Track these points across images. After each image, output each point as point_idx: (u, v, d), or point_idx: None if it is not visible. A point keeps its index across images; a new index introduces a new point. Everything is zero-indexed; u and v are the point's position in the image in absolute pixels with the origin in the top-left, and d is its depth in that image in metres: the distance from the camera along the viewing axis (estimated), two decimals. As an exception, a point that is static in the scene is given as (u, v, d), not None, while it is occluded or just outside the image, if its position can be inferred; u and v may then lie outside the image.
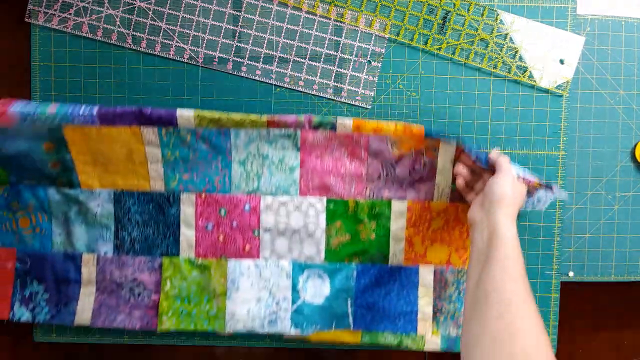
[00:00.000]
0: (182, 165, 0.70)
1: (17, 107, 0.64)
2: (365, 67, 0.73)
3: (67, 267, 0.71)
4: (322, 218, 0.71)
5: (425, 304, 0.72)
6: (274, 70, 0.73)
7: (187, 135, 0.68)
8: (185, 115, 0.66)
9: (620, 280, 0.75)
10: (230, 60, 0.73)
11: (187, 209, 0.71)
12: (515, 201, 0.59)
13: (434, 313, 0.72)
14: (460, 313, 0.72)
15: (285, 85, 0.73)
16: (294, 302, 0.72)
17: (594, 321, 0.79)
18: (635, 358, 0.79)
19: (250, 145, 0.70)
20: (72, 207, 0.71)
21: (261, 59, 0.73)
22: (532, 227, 0.74)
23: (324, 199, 0.71)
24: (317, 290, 0.72)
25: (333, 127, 0.69)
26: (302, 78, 0.73)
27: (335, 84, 0.73)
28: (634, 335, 0.79)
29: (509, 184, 0.59)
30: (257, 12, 0.72)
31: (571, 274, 0.75)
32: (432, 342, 0.72)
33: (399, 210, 0.71)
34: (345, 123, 0.68)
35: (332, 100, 0.73)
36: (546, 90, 0.73)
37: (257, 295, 0.72)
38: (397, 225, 0.71)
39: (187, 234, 0.71)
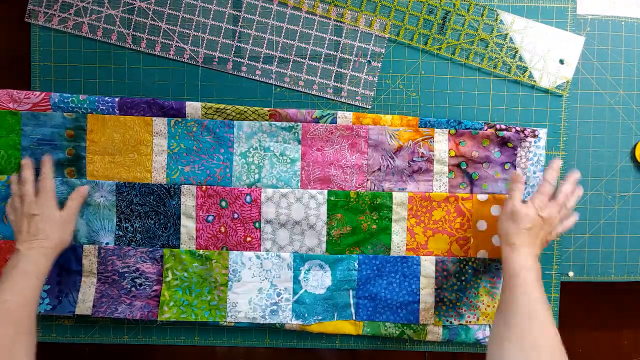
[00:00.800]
0: (185, 157, 0.72)
1: (53, 95, 0.71)
2: (365, 67, 0.73)
3: (69, 258, 0.72)
4: (323, 210, 0.72)
5: (427, 294, 0.73)
6: (274, 70, 0.73)
7: (194, 126, 0.71)
8: (194, 105, 0.71)
9: (620, 280, 0.75)
10: (230, 60, 0.73)
11: (188, 200, 0.72)
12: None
13: (436, 303, 0.73)
14: (462, 302, 0.72)
15: (285, 85, 0.73)
16: (295, 292, 0.73)
17: (594, 321, 0.79)
18: (635, 358, 0.79)
19: (252, 138, 0.72)
20: None
21: (261, 59, 0.73)
22: (532, 227, 0.74)
23: (325, 191, 0.72)
24: (318, 281, 0.73)
25: (334, 119, 0.71)
26: (302, 78, 0.73)
27: (335, 84, 0.73)
28: (634, 335, 0.79)
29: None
30: (257, 12, 0.72)
31: (571, 274, 0.75)
32: (434, 332, 0.73)
33: (400, 201, 0.72)
34: (346, 115, 0.72)
35: (332, 100, 0.73)
36: (546, 90, 0.73)
37: (258, 285, 0.72)
38: (399, 216, 0.72)
39: (188, 226, 0.72)
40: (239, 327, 0.74)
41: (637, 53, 0.74)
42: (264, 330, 0.75)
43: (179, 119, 0.71)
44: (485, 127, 0.72)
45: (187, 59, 0.73)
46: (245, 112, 0.71)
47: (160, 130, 0.72)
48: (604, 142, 0.75)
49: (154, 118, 0.71)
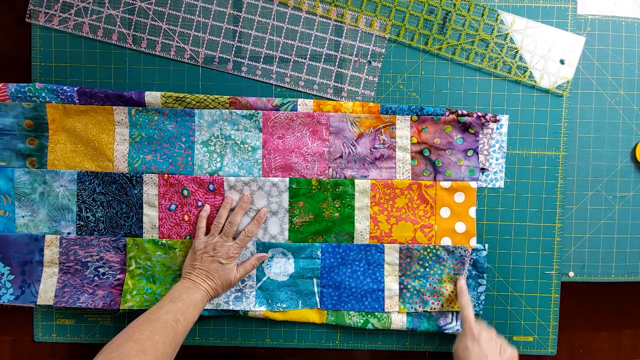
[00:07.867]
0: (147, 146, 0.72)
1: (10, 85, 0.71)
2: (366, 67, 0.73)
3: (31, 248, 0.72)
4: (285, 197, 0.72)
5: (391, 281, 0.73)
6: (274, 70, 0.73)
7: (155, 115, 0.71)
8: (153, 95, 0.70)
9: (620, 280, 0.75)
10: (231, 60, 0.73)
11: (150, 189, 0.72)
12: None
13: (400, 290, 0.73)
14: (426, 289, 0.73)
15: (286, 85, 0.73)
16: (258, 279, 0.73)
17: (594, 321, 0.79)
18: (636, 358, 0.79)
19: (213, 127, 0.72)
20: (37, 189, 0.72)
21: (261, 59, 0.73)
22: (532, 227, 0.74)
23: (287, 178, 0.72)
24: (281, 269, 0.73)
25: (294, 107, 0.71)
26: (303, 78, 0.73)
27: (336, 84, 0.73)
28: (634, 335, 0.79)
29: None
30: (258, 13, 0.73)
31: (571, 274, 0.75)
32: (399, 320, 0.73)
33: (362, 189, 0.72)
34: (306, 102, 0.72)
35: (333, 100, 0.73)
36: (546, 90, 0.73)
37: None
38: (361, 203, 0.72)
39: (151, 215, 0.72)
40: (239, 327, 0.75)
41: (637, 53, 0.74)
42: (264, 331, 0.75)
43: (140, 108, 0.71)
44: (447, 113, 0.72)
45: (187, 59, 0.73)
46: (205, 100, 0.71)
47: (122, 119, 0.71)
48: (604, 142, 0.75)
49: (114, 107, 0.71)
